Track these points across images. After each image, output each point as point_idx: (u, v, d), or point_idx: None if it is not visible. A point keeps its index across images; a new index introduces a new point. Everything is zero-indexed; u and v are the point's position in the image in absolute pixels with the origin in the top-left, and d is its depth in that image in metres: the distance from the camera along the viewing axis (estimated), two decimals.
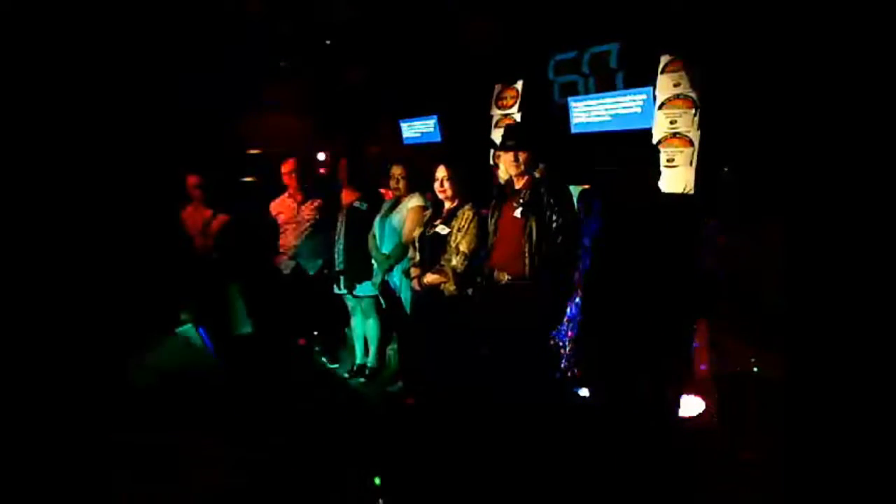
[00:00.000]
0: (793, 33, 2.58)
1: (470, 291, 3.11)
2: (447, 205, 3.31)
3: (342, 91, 5.53)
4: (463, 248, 3.12)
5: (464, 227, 3.16)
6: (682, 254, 2.28)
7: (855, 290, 0.94)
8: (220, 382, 3.40)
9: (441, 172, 3.25)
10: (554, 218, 2.75)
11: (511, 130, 3.03)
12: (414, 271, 3.35)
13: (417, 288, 3.30)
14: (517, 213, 2.83)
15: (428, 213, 3.45)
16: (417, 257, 3.37)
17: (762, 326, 2.73)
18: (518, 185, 2.89)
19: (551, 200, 2.77)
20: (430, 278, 3.23)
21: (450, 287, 3.15)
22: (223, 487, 2.71)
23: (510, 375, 3.07)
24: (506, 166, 2.90)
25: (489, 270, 2.96)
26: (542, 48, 4.28)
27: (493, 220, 2.98)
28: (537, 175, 2.86)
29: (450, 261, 3.14)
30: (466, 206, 3.22)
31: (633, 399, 2.40)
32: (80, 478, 2.61)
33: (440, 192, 3.28)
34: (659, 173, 2.50)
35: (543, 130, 3.68)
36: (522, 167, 2.83)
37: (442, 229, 3.25)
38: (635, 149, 2.64)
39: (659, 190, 2.50)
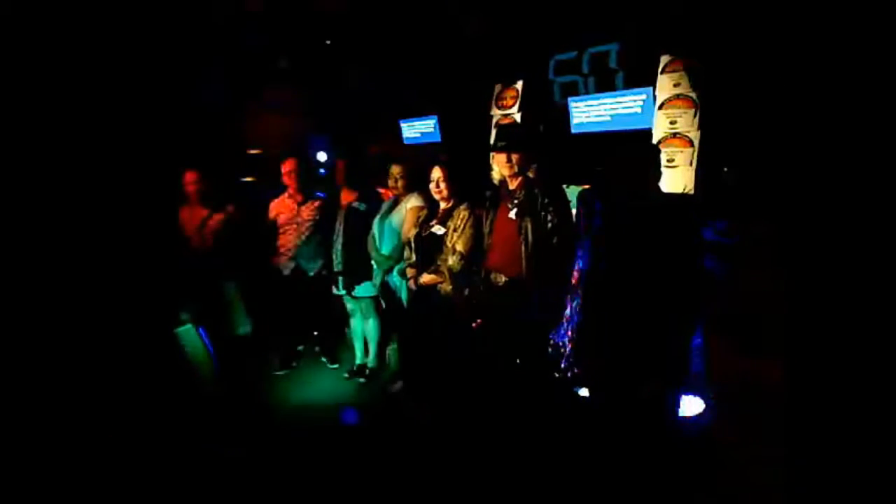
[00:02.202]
0: (793, 33, 2.57)
1: (466, 291, 3.11)
2: (442, 205, 3.31)
3: (343, 91, 5.53)
4: (459, 247, 3.12)
5: (460, 227, 3.16)
6: (682, 254, 2.27)
7: (854, 290, 0.94)
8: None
9: (436, 173, 3.26)
10: (549, 218, 2.75)
11: (503, 131, 3.02)
12: (410, 272, 3.35)
13: (413, 288, 3.31)
14: (512, 214, 2.82)
15: (424, 213, 3.44)
16: (413, 258, 3.37)
17: (759, 327, 2.73)
18: (512, 185, 2.89)
19: (546, 201, 2.77)
20: (426, 278, 3.23)
21: (446, 287, 3.15)
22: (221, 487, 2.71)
23: (510, 376, 3.07)
24: (499, 167, 2.89)
25: (486, 272, 2.95)
26: (542, 48, 4.27)
27: (488, 222, 2.97)
28: (531, 175, 2.85)
29: (446, 261, 3.14)
30: (462, 206, 3.22)
31: (633, 399, 2.39)
32: (79, 477, 2.61)
33: (436, 192, 3.28)
34: (660, 173, 2.49)
35: (537, 131, 3.67)
36: (515, 168, 2.82)
37: (438, 229, 3.25)
38: (635, 148, 2.63)
39: (659, 190, 2.49)
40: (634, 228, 2.38)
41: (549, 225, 2.74)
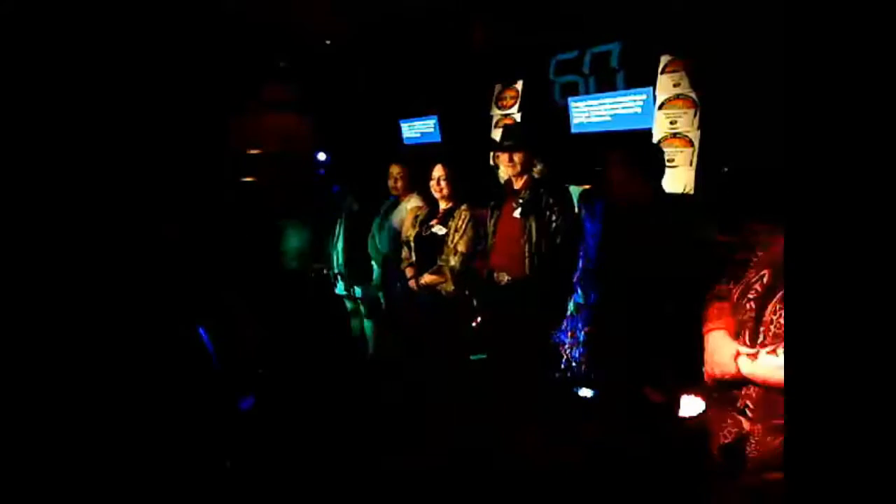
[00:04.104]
0: (793, 33, 2.58)
1: (466, 292, 3.11)
2: (442, 205, 3.31)
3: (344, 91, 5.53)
4: (461, 248, 3.12)
5: (461, 227, 3.16)
6: (683, 253, 2.28)
7: (855, 293, 0.94)
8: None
9: (438, 172, 3.25)
10: (553, 218, 2.76)
11: (508, 131, 3.03)
12: (409, 272, 3.35)
13: (415, 288, 3.30)
14: (516, 213, 2.83)
15: (423, 212, 3.44)
16: (413, 258, 3.37)
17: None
18: (517, 185, 2.89)
19: (550, 200, 2.78)
20: (427, 279, 3.23)
21: (448, 287, 3.15)
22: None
23: (511, 375, 3.07)
24: (504, 167, 2.90)
25: (488, 271, 2.95)
26: (542, 48, 4.27)
27: (492, 221, 2.97)
28: (536, 175, 2.86)
29: (448, 261, 3.14)
30: (462, 207, 3.23)
31: (634, 399, 2.40)
32: (79, 479, 2.61)
33: (437, 190, 3.28)
34: (662, 173, 2.49)
35: (541, 131, 3.67)
36: (520, 167, 2.83)
37: (439, 229, 3.25)
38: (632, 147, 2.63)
39: (661, 189, 2.49)
40: (635, 229, 2.38)
41: (553, 225, 2.75)
